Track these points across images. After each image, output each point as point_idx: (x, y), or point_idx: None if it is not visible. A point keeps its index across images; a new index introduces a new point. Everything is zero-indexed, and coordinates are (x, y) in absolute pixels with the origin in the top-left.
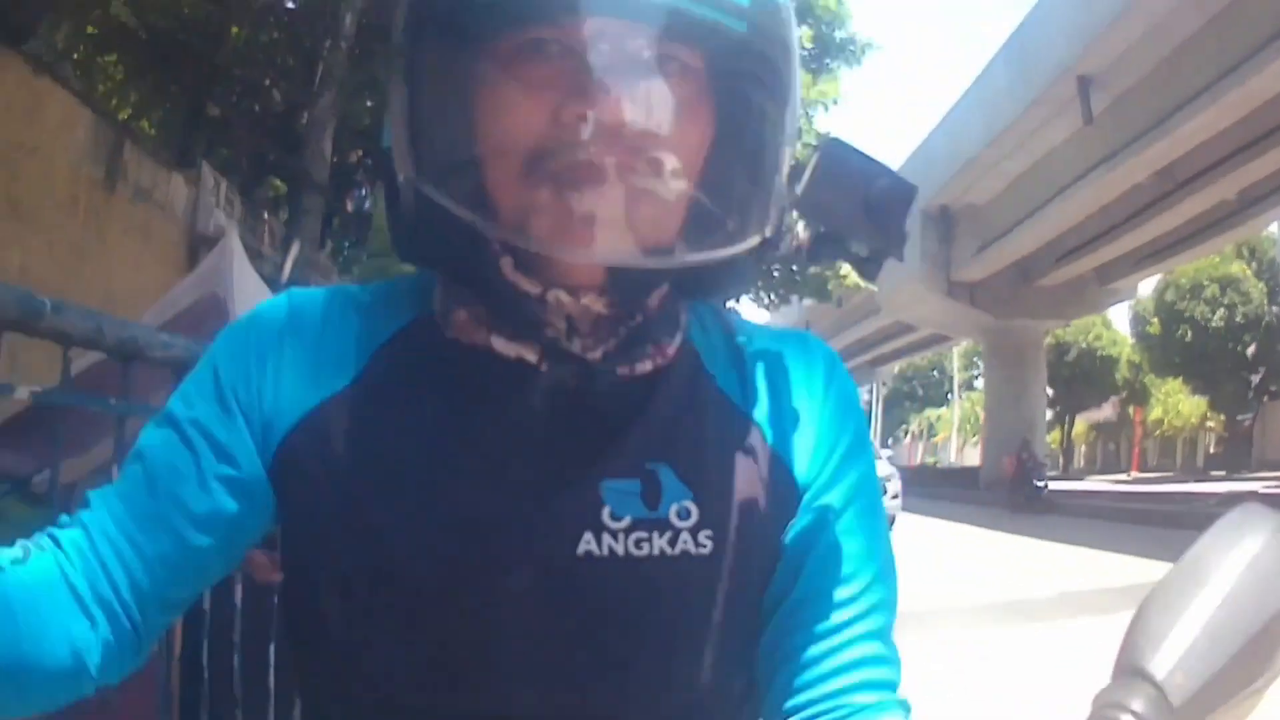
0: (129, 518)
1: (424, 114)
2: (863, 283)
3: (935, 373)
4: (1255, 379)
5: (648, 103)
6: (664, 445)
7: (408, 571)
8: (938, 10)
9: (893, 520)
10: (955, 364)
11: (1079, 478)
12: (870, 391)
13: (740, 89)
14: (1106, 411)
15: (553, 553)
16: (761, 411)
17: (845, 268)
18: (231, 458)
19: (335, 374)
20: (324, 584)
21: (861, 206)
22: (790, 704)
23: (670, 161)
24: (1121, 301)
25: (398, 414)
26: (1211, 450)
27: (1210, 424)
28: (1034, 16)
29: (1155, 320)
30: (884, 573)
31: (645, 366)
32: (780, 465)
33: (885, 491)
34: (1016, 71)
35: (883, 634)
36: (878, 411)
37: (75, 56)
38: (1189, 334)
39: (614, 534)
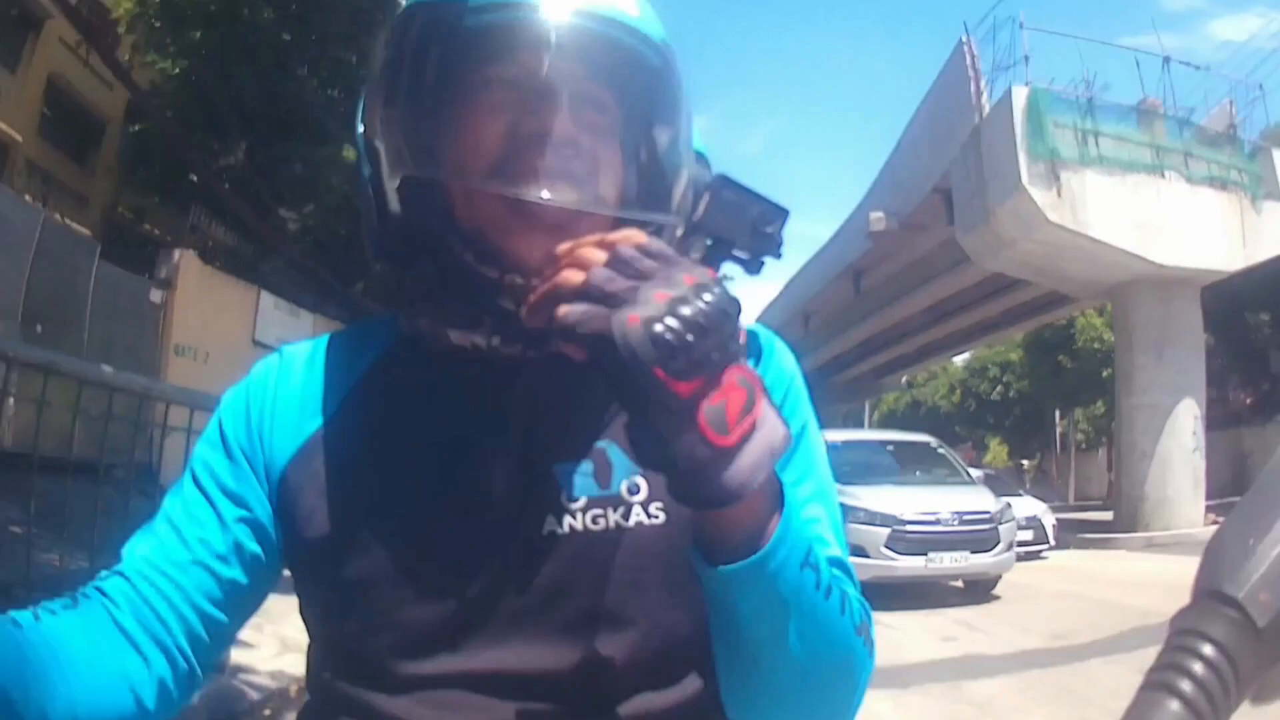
0: (165, 562)
1: (406, 131)
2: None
3: None
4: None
5: (583, 124)
6: (611, 423)
7: (390, 573)
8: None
9: (997, 580)
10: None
11: None
12: None
13: (657, 112)
14: (961, 453)
15: (521, 535)
16: None
17: None
18: (243, 500)
19: (320, 410)
20: (320, 585)
21: (747, 224)
22: None
23: (590, 156)
24: (888, 391)
25: (374, 433)
26: (1028, 484)
27: (1024, 463)
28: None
29: (958, 391)
30: (829, 528)
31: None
32: None
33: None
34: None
35: (836, 545)
36: None
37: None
38: (974, 405)
39: (573, 513)
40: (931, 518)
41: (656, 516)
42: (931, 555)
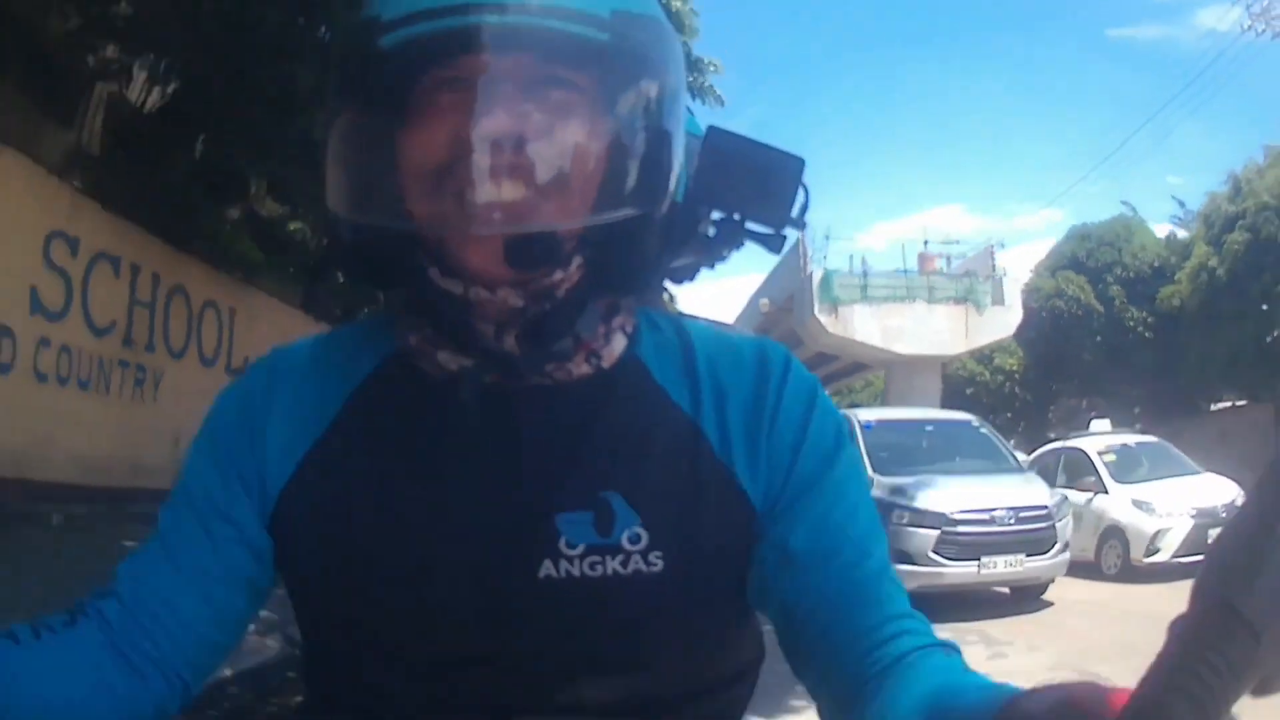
0: (160, 588)
1: (352, 157)
2: None
3: None
4: None
5: (525, 114)
6: (614, 471)
7: (382, 606)
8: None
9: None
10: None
11: None
12: None
13: (611, 90)
14: None
15: (517, 578)
16: (710, 419)
17: None
18: (235, 520)
19: (317, 425)
20: (320, 619)
21: (750, 185)
22: (837, 671)
23: (554, 162)
24: None
25: (372, 459)
26: None
27: None
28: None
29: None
30: (871, 548)
31: (582, 369)
32: (728, 475)
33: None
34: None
35: (890, 599)
36: None
37: None
38: None
39: (570, 559)
40: (985, 516)
41: (655, 564)
42: (984, 560)
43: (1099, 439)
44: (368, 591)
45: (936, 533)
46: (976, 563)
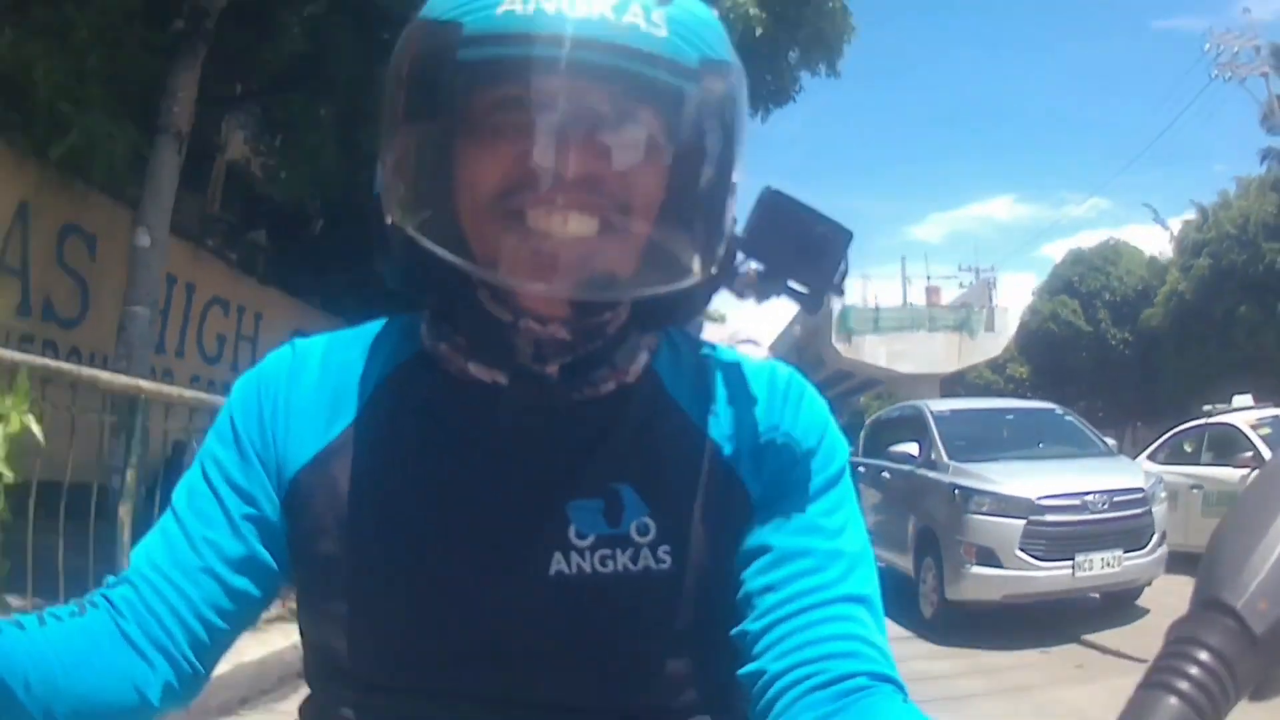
0: (173, 568)
1: (410, 163)
2: None
3: None
4: None
5: (602, 154)
6: (626, 465)
7: (396, 598)
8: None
9: (1145, 585)
10: None
11: None
12: None
13: (692, 140)
14: None
15: (529, 573)
16: (720, 430)
17: None
18: (253, 499)
19: (337, 417)
20: (326, 606)
21: (797, 249)
22: (765, 679)
23: (621, 205)
24: (853, 410)
25: (390, 452)
26: None
27: None
28: None
29: None
30: (853, 567)
31: (608, 387)
32: (734, 478)
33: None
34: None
35: (857, 620)
36: None
37: None
38: None
39: (580, 552)
40: (1075, 502)
41: (664, 561)
42: (1079, 559)
43: (1248, 413)
44: (371, 582)
45: (1022, 523)
46: (1071, 563)
